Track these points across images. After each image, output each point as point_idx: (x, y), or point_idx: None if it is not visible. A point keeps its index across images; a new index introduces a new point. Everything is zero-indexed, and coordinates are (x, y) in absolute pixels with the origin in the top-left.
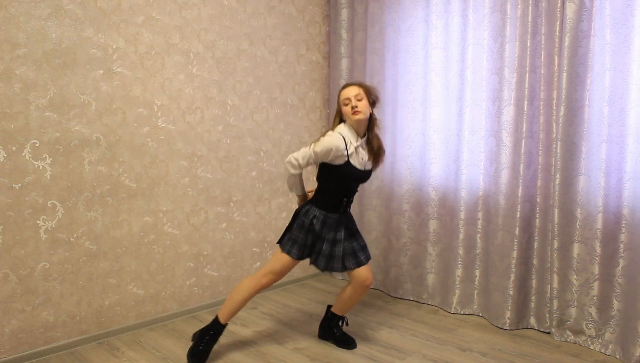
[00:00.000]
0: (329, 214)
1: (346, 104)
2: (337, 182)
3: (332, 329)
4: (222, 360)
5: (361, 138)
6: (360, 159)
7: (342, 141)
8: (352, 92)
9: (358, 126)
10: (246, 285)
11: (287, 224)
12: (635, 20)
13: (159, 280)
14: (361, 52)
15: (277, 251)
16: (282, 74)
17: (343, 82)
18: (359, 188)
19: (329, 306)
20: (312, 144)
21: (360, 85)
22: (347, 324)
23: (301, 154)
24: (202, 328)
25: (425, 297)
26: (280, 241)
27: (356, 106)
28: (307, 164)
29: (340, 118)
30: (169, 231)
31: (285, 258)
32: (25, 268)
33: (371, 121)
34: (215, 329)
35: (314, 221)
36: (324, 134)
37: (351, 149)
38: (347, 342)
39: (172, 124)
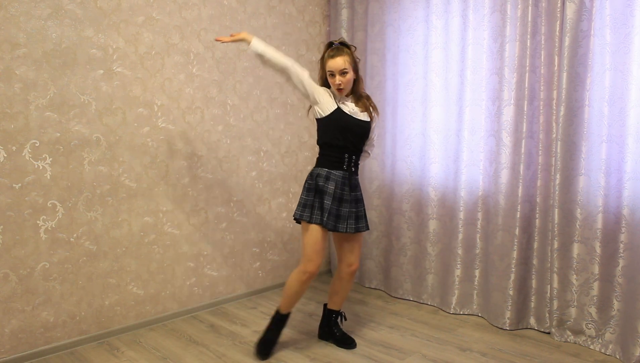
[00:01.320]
0: (332, 171)
1: (331, 75)
2: (334, 133)
3: (332, 328)
4: (222, 360)
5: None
6: (350, 109)
7: (331, 94)
8: (338, 65)
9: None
10: (292, 276)
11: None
12: (635, 20)
13: (159, 280)
14: (361, 52)
15: (302, 229)
16: None
17: None
18: (367, 151)
19: (325, 305)
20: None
21: (346, 54)
22: (345, 319)
23: (307, 74)
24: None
25: (425, 297)
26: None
27: (340, 83)
28: (305, 82)
29: (324, 81)
30: (169, 231)
31: (304, 231)
32: (25, 268)
33: (356, 82)
34: (273, 317)
35: (318, 178)
36: None
37: (339, 102)
38: (347, 342)
39: (172, 124)
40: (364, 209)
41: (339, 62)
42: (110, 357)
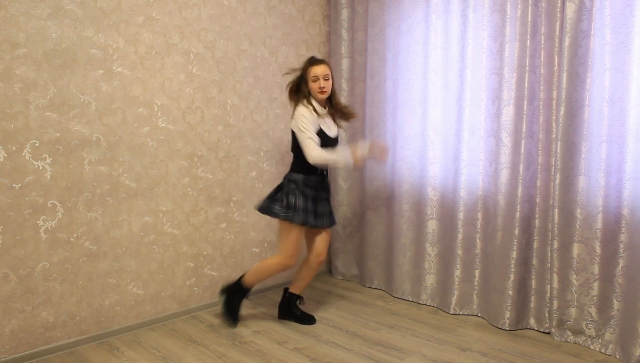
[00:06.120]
0: (307, 176)
1: (314, 81)
2: None
3: (292, 309)
4: (222, 360)
5: (324, 108)
6: (327, 126)
7: (314, 113)
8: (323, 71)
9: (321, 100)
10: (270, 263)
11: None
12: (635, 20)
13: (159, 280)
14: (361, 52)
15: (282, 227)
16: (282, 74)
17: (344, 83)
18: None
19: (286, 289)
20: (302, 131)
21: (328, 65)
22: (303, 302)
23: (309, 144)
24: (231, 287)
25: (424, 297)
26: (281, 215)
27: (324, 87)
28: (313, 136)
29: (298, 87)
30: (169, 231)
31: (286, 229)
32: (25, 268)
33: (334, 94)
34: (234, 289)
35: (297, 184)
36: (295, 109)
37: (320, 120)
38: (308, 319)
39: (172, 124)
40: (332, 207)
41: (323, 68)
42: (110, 357)
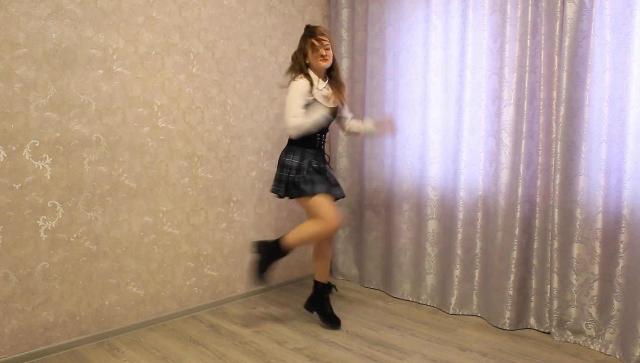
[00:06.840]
0: (306, 149)
1: (314, 51)
2: None
3: (324, 303)
4: (222, 360)
5: (324, 80)
6: (326, 100)
7: (308, 84)
8: (323, 39)
9: (321, 71)
10: (314, 226)
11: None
12: (635, 20)
13: (159, 280)
14: (361, 52)
15: (305, 201)
16: (282, 74)
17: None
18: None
19: (316, 282)
20: (288, 98)
21: (328, 34)
22: (336, 289)
23: (292, 109)
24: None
25: (424, 298)
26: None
27: (325, 55)
28: (300, 108)
29: (302, 58)
30: (169, 231)
31: (311, 203)
32: (25, 268)
33: (334, 65)
34: (272, 248)
35: (294, 156)
36: (292, 80)
37: (316, 92)
38: (333, 321)
39: (172, 124)
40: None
41: (324, 36)
42: (110, 357)
